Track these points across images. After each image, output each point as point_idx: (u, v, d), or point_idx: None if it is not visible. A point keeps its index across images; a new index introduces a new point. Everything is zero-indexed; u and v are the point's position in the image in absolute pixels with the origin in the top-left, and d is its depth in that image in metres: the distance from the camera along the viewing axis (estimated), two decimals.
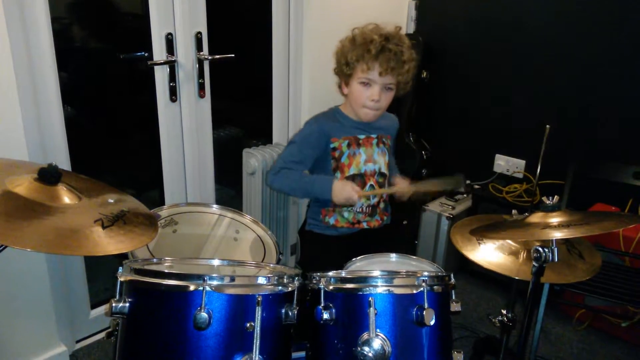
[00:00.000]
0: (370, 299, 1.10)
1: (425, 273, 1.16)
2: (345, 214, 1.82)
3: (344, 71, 1.71)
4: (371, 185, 1.80)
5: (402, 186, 1.83)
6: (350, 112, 1.80)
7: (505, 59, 2.61)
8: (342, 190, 1.67)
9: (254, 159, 2.23)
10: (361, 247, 1.63)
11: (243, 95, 2.55)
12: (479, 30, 2.67)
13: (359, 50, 1.64)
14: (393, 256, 1.51)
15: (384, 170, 1.82)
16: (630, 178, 2.11)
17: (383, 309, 1.11)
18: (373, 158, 1.79)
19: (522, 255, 1.44)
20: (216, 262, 1.21)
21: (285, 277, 1.16)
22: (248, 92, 2.57)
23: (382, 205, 1.85)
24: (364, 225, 1.84)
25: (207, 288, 1.02)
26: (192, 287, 1.03)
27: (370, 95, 1.67)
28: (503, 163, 2.72)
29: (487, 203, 2.60)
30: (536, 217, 1.31)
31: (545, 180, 2.42)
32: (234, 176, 2.39)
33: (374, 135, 1.81)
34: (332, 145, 1.78)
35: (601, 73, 2.33)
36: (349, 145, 1.77)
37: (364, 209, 1.81)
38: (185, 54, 2.03)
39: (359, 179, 1.78)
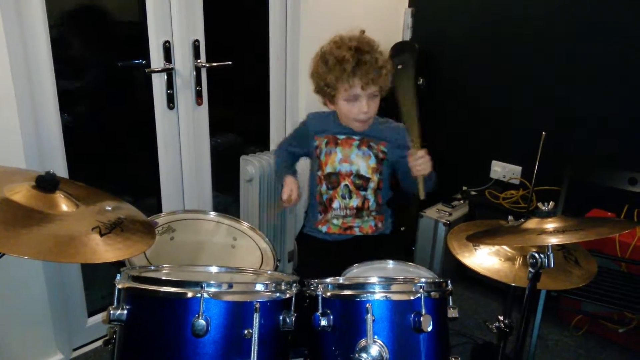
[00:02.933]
0: (367, 305, 1.10)
1: (423, 279, 1.17)
2: (335, 221, 1.83)
3: (327, 92, 1.71)
4: (345, 186, 1.80)
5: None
6: (342, 119, 1.81)
7: (501, 66, 2.62)
8: (284, 187, 1.78)
9: (251, 166, 2.23)
10: (357, 255, 1.62)
11: (240, 102, 2.55)
12: (475, 38, 2.69)
13: (336, 72, 1.63)
14: (390, 263, 1.52)
15: (364, 173, 1.79)
16: (626, 184, 2.12)
17: (380, 315, 1.11)
18: (350, 159, 1.79)
19: (518, 261, 1.45)
20: (214, 269, 1.22)
21: (283, 283, 1.16)
22: (245, 99, 2.57)
23: (372, 207, 1.84)
24: (357, 231, 1.84)
25: (205, 295, 1.02)
26: (189, 294, 1.03)
27: (360, 109, 1.68)
28: (499, 169, 2.73)
29: (483, 209, 2.60)
30: (532, 223, 1.31)
31: (541, 186, 2.43)
32: (232, 183, 2.39)
33: (356, 137, 1.79)
34: (314, 143, 1.83)
35: (597, 79, 2.35)
36: (327, 144, 1.81)
37: (345, 210, 1.82)
38: (183, 62, 2.04)
39: (334, 177, 1.81)
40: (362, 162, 1.80)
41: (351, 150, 1.80)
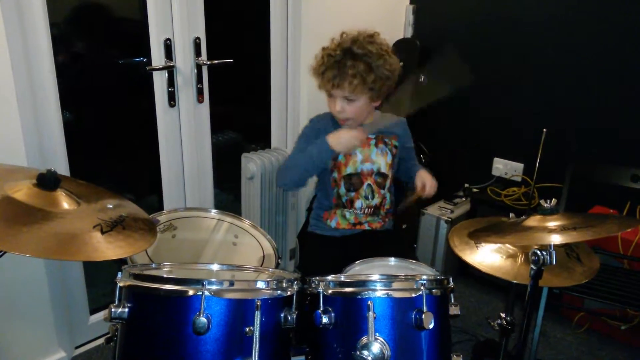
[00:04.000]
0: (369, 302, 1.10)
1: (424, 276, 1.17)
2: (347, 214, 1.83)
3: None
4: (368, 185, 1.81)
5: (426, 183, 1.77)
6: None
7: (503, 63, 2.62)
8: (339, 140, 1.69)
9: (253, 164, 2.23)
10: (362, 249, 1.63)
11: (242, 100, 2.55)
12: (476, 34, 2.68)
13: (316, 66, 1.73)
14: (392, 260, 1.52)
15: (384, 170, 1.83)
16: (629, 181, 2.11)
17: (382, 312, 1.11)
18: (370, 158, 1.81)
19: (520, 258, 1.45)
20: (215, 266, 1.21)
21: (284, 281, 1.16)
22: (246, 97, 2.57)
23: (386, 206, 1.86)
24: (366, 226, 1.85)
25: (206, 293, 1.02)
26: (191, 292, 1.03)
27: (334, 106, 1.74)
28: (501, 166, 2.73)
29: (485, 206, 2.60)
30: (534, 221, 1.31)
31: (543, 183, 2.42)
32: (233, 181, 2.39)
33: (371, 136, 1.82)
34: None
35: (598, 76, 2.34)
36: None
37: (365, 210, 1.82)
38: (184, 59, 2.03)
39: (356, 178, 1.81)
40: (382, 160, 1.83)
41: (370, 149, 1.82)
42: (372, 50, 1.67)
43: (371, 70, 1.66)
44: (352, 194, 1.81)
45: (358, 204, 1.82)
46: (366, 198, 1.81)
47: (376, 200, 1.83)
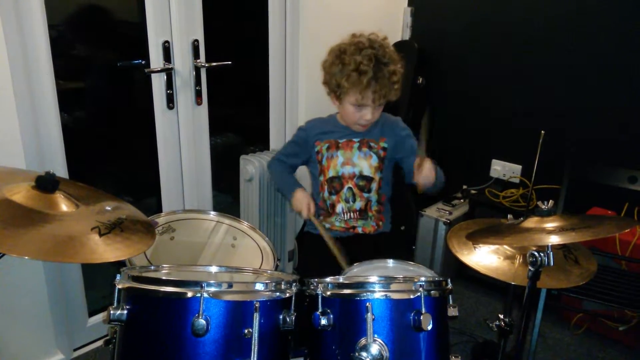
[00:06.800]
0: (367, 304, 1.11)
1: (423, 278, 1.17)
2: (337, 223, 1.84)
3: (336, 91, 1.72)
4: (349, 189, 1.81)
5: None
6: (341, 119, 1.85)
7: (501, 65, 2.62)
8: (296, 202, 1.78)
9: (251, 166, 2.23)
10: (360, 251, 1.63)
11: (240, 102, 2.55)
12: (475, 36, 2.69)
13: (352, 80, 1.64)
14: (390, 262, 1.52)
15: (368, 173, 1.81)
16: (626, 182, 2.11)
17: (380, 314, 1.11)
18: (352, 161, 1.81)
19: (518, 259, 1.45)
20: (214, 268, 1.22)
21: (282, 283, 1.16)
22: (245, 99, 2.57)
23: (374, 209, 1.85)
24: (359, 230, 1.85)
25: (205, 295, 1.02)
26: (189, 294, 1.03)
27: (364, 115, 1.72)
28: (499, 168, 2.73)
29: (483, 208, 2.60)
30: (532, 222, 1.31)
31: (541, 185, 2.43)
32: (232, 183, 2.39)
33: (355, 139, 1.82)
34: (315, 149, 1.83)
35: (596, 77, 2.34)
36: (328, 149, 1.82)
37: (348, 214, 1.82)
38: (182, 62, 2.04)
39: (337, 181, 1.82)
40: (364, 163, 1.81)
41: (352, 152, 1.81)
42: (392, 53, 1.70)
43: (401, 72, 1.72)
44: (334, 197, 1.83)
45: (339, 208, 1.83)
46: (347, 201, 1.82)
47: (359, 204, 1.83)
